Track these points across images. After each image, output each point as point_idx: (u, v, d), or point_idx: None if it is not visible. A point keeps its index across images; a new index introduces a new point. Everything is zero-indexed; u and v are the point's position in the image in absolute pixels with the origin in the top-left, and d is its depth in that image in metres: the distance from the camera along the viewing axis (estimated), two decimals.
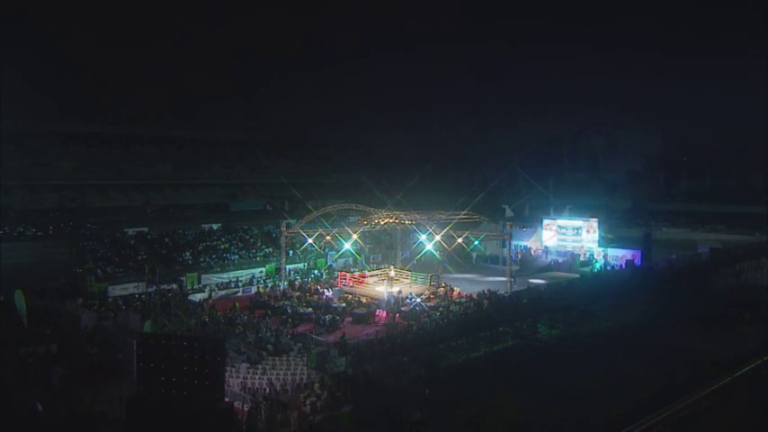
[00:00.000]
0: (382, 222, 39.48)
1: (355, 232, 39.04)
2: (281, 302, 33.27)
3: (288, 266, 41.32)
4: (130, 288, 35.31)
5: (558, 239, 48.72)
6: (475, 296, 33.54)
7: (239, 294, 36.78)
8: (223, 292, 36.82)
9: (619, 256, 45.27)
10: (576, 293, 33.66)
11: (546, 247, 49.45)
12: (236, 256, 42.92)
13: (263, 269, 41.95)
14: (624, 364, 23.28)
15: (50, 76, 61.29)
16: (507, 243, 40.27)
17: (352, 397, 19.10)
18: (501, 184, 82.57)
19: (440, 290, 35.53)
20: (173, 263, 39.78)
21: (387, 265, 42.90)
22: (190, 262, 40.54)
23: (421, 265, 40.27)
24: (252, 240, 46.54)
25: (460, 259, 41.77)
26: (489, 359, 24.44)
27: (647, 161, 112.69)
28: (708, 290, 37.35)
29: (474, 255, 46.38)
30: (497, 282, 38.15)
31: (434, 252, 38.67)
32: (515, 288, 35.90)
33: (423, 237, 37.11)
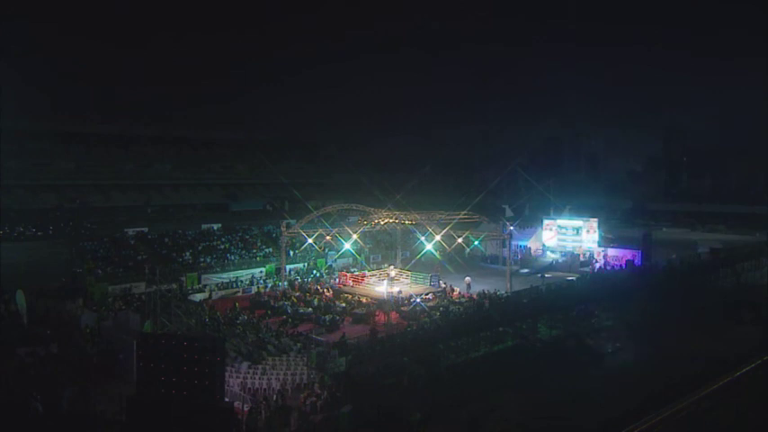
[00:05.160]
0: (382, 222, 39.47)
1: (355, 232, 39.02)
2: (280, 302, 33.25)
3: (288, 266, 41.30)
4: (132, 288, 35.27)
5: (558, 239, 48.70)
6: (475, 296, 33.55)
7: (239, 294, 36.76)
8: (223, 292, 36.79)
9: (619, 256, 45.23)
10: (576, 293, 33.65)
11: (544, 246, 49.49)
12: (236, 256, 42.88)
13: (263, 269, 41.91)
14: (624, 363, 23.26)
15: (50, 76, 61.40)
16: (507, 243, 40.24)
17: (352, 397, 19.08)
18: (501, 184, 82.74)
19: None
20: (173, 263, 39.74)
21: (387, 265, 42.89)
22: (190, 262, 40.51)
23: (421, 265, 40.26)
24: (252, 240, 46.52)
25: (461, 259, 41.75)
26: (489, 359, 24.41)
27: (647, 161, 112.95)
28: (708, 290, 37.32)
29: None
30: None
31: (434, 252, 38.66)
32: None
33: (423, 237, 37.11)
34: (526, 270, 44.59)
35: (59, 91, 61.97)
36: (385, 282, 36.63)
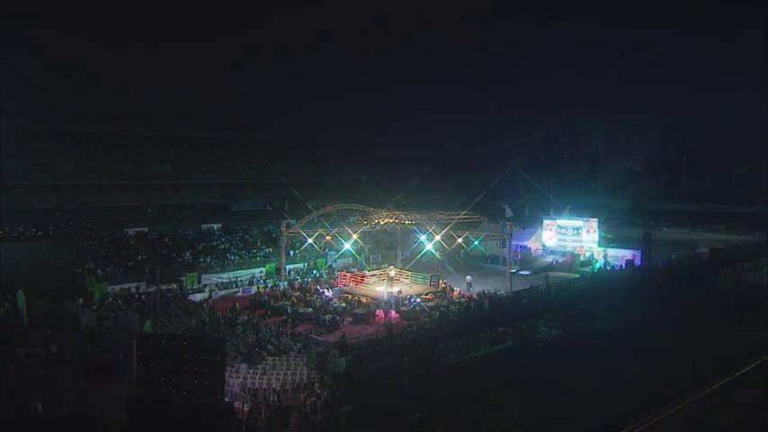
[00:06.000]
0: (382, 222, 39.45)
1: (355, 232, 39.01)
2: (281, 302, 33.26)
3: (288, 266, 41.29)
4: (132, 288, 35.29)
5: (558, 239, 48.69)
6: (475, 296, 33.54)
7: (239, 294, 36.76)
8: (223, 292, 36.79)
9: (619, 256, 45.25)
10: (575, 293, 33.65)
11: (544, 246, 49.50)
12: (236, 257, 42.88)
13: (263, 269, 41.91)
14: (624, 364, 23.25)
15: (50, 76, 61.36)
16: (507, 243, 40.23)
17: (352, 397, 19.09)
18: (501, 184, 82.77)
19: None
20: (173, 263, 39.75)
21: (387, 265, 42.89)
22: (190, 262, 40.51)
23: (421, 265, 40.26)
24: (252, 240, 46.53)
25: (461, 259, 41.72)
26: (489, 359, 24.41)
27: (647, 161, 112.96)
28: (708, 290, 37.33)
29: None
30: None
31: (434, 252, 38.63)
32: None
33: (423, 237, 37.10)
34: (526, 272, 44.50)
35: (59, 91, 61.92)
36: (385, 282, 36.62)
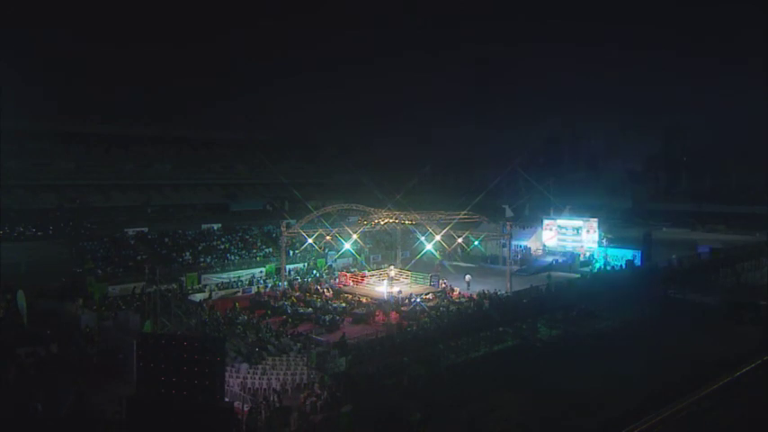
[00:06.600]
0: (382, 222, 39.46)
1: (355, 232, 39.01)
2: (280, 302, 33.26)
3: (288, 266, 41.29)
4: (132, 288, 35.25)
5: (558, 239, 48.67)
6: (475, 296, 33.54)
7: (239, 294, 36.74)
8: (223, 292, 36.78)
9: (619, 256, 45.22)
10: (575, 293, 33.64)
11: (544, 246, 49.47)
12: (236, 256, 42.87)
13: (263, 269, 41.91)
14: (624, 364, 23.26)
15: (50, 76, 61.35)
16: (507, 243, 40.22)
17: (352, 397, 19.09)
18: (501, 184, 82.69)
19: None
20: (173, 263, 39.74)
21: (387, 265, 42.87)
22: (190, 262, 40.50)
23: (421, 265, 40.25)
24: (252, 240, 46.52)
25: (461, 259, 41.69)
26: (489, 359, 24.42)
27: (647, 161, 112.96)
28: (708, 290, 37.33)
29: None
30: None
31: (434, 252, 38.62)
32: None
33: (423, 237, 37.09)
34: (523, 267, 44.47)
35: (59, 91, 61.91)
36: (385, 282, 36.62)
